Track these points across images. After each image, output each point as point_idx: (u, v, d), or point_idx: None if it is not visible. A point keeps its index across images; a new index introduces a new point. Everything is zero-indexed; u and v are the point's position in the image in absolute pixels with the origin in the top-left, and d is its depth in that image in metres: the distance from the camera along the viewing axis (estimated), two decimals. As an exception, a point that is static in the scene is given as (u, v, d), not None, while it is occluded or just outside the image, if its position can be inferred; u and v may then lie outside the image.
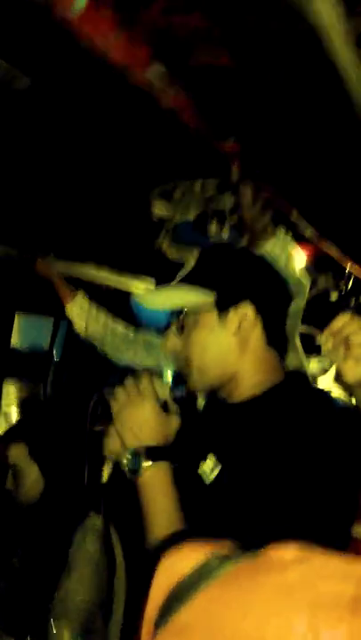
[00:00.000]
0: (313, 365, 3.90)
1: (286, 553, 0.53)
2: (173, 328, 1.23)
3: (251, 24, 0.68)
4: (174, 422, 1.22)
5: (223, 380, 1.21)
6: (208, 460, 1.16)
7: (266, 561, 0.55)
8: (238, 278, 1.23)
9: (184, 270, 1.25)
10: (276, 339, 1.24)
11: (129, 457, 1.15)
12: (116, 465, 1.27)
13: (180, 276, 1.26)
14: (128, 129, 1.70)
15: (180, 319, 1.22)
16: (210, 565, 0.58)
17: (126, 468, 1.17)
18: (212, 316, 1.19)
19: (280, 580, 0.49)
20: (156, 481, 1.13)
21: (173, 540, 0.69)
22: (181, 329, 1.22)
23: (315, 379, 4.03)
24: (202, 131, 0.89)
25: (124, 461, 1.17)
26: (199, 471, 1.17)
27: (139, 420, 1.16)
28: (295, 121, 0.86)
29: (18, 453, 1.83)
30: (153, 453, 1.13)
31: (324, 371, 3.72)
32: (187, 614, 0.53)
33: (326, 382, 3.52)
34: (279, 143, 0.94)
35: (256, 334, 1.20)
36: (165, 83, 0.75)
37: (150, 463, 1.13)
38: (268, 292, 1.24)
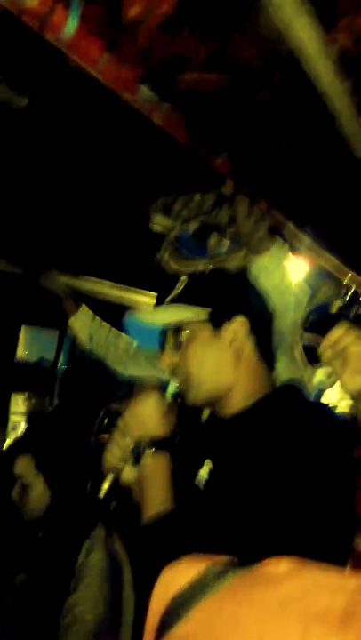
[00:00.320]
0: (321, 376, 3.86)
1: (280, 566, 0.54)
2: (170, 344, 1.26)
3: (236, 45, 0.69)
4: (175, 412, 1.26)
5: (220, 392, 1.23)
6: (204, 469, 1.19)
7: (261, 575, 0.55)
8: (230, 295, 1.28)
9: (176, 291, 1.28)
10: (266, 352, 1.28)
11: (134, 445, 1.20)
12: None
13: (173, 296, 1.29)
14: (125, 146, 1.72)
15: (175, 335, 1.25)
16: (207, 579, 0.59)
17: (130, 457, 1.21)
18: (207, 330, 1.22)
19: (274, 594, 0.50)
20: (156, 469, 1.17)
21: (171, 555, 0.69)
22: (178, 344, 1.24)
23: (322, 390, 4.00)
24: (194, 148, 0.90)
25: (129, 450, 1.21)
26: (197, 478, 1.19)
27: (144, 413, 1.20)
28: (284, 136, 0.88)
29: (24, 465, 1.83)
30: (155, 444, 1.17)
31: (334, 381, 3.68)
32: (185, 627, 0.53)
33: (335, 393, 3.49)
34: (271, 157, 0.96)
35: (249, 347, 1.23)
36: (155, 102, 0.76)
37: (152, 452, 1.17)
38: (258, 307, 1.29)
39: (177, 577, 0.60)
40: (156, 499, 1.13)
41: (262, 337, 1.26)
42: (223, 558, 0.62)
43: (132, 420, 1.21)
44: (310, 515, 0.99)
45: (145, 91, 0.74)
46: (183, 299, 1.27)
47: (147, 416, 1.20)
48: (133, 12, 0.63)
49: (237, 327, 1.21)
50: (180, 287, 1.29)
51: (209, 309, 1.23)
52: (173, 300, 1.29)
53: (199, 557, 0.63)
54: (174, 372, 1.26)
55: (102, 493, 1.22)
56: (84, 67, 0.75)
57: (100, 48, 0.70)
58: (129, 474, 1.25)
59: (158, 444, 1.18)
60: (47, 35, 0.71)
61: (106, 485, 1.22)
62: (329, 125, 0.82)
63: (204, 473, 1.18)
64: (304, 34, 0.64)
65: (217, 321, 1.22)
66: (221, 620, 0.49)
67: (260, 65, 0.71)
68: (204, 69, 0.74)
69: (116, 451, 1.23)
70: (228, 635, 0.47)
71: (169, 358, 1.26)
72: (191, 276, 1.31)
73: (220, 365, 1.22)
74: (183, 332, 1.23)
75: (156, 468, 1.17)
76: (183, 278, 1.30)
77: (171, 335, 1.25)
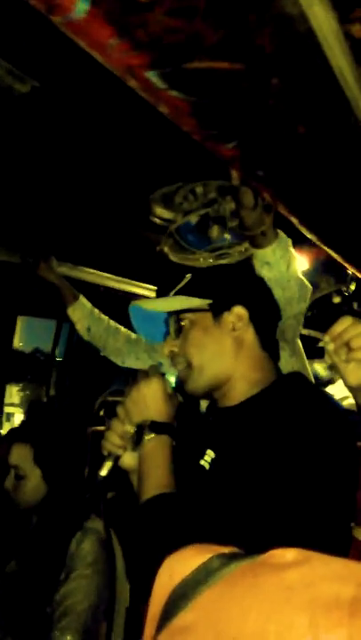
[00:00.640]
0: (320, 370, 3.87)
1: (287, 555, 0.53)
2: (171, 331, 1.28)
3: (249, 28, 0.68)
4: (176, 402, 1.27)
5: (221, 380, 1.25)
6: (207, 455, 1.20)
7: (267, 562, 0.55)
8: (230, 285, 1.30)
9: (179, 286, 1.31)
10: (268, 342, 1.30)
11: (134, 429, 1.21)
12: (118, 469, 1.29)
13: (177, 288, 1.32)
14: (128, 133, 1.71)
15: (176, 323, 1.27)
16: (212, 566, 0.58)
17: (130, 443, 1.23)
18: (208, 317, 1.25)
19: (280, 581, 0.49)
20: (156, 452, 1.17)
21: (174, 541, 0.69)
22: (179, 332, 1.26)
23: (328, 382, 4.01)
24: (201, 137, 0.89)
25: (130, 434, 1.23)
26: (201, 463, 1.20)
27: (146, 397, 1.21)
28: (296, 125, 0.87)
29: (22, 456, 1.83)
30: (156, 428, 1.18)
31: (332, 375, 3.70)
32: (190, 615, 0.53)
33: (340, 386, 3.50)
34: (280, 148, 0.95)
35: (250, 336, 1.26)
36: (163, 90, 0.75)
37: (153, 435, 1.17)
38: (258, 297, 1.31)
39: (181, 565, 0.59)
40: (156, 481, 1.13)
41: (264, 327, 1.28)
42: (228, 548, 0.62)
43: (133, 406, 1.22)
44: (314, 504, 1.00)
45: (153, 77, 0.73)
46: (186, 291, 1.30)
47: (149, 400, 1.20)
48: (146, -6, 0.62)
49: (237, 316, 1.24)
50: (184, 283, 1.30)
51: (210, 300, 1.25)
52: (176, 293, 1.31)
53: (204, 546, 0.63)
54: (175, 359, 1.28)
55: (101, 477, 1.23)
56: (91, 51, 0.73)
57: (110, 32, 0.68)
58: (128, 459, 1.26)
59: (159, 428, 1.18)
60: (55, 17, 0.69)
61: (105, 469, 1.23)
62: (345, 115, 0.81)
63: (205, 463, 1.19)
64: (320, 19, 0.63)
65: (217, 310, 1.25)
66: (226, 609, 0.49)
67: (274, 51, 0.70)
68: (216, 56, 0.73)
69: (114, 437, 1.24)
70: (232, 625, 0.47)
71: (170, 345, 1.29)
72: (195, 272, 1.33)
73: (221, 353, 1.24)
74: (184, 320, 1.26)
75: (156, 451, 1.17)
76: (188, 276, 1.32)
77: (172, 323, 1.28)
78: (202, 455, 1.21)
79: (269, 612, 0.46)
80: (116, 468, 1.26)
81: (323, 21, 0.66)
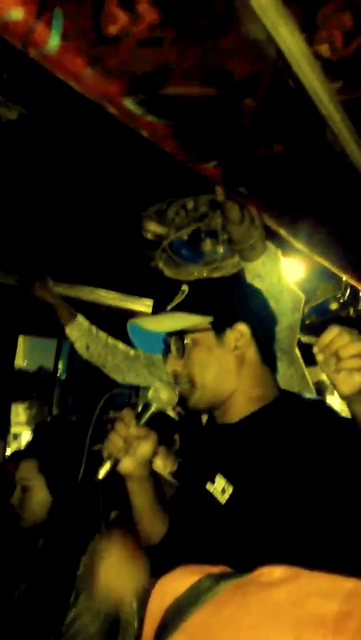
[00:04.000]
0: (320, 377, 3.87)
1: (275, 572, 0.54)
2: (174, 350, 1.26)
3: (218, 53, 0.70)
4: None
5: (223, 397, 1.25)
6: (217, 481, 1.18)
7: (255, 581, 0.55)
8: (231, 302, 1.30)
9: (177, 300, 1.29)
10: (268, 356, 1.31)
11: None
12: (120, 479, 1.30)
13: (174, 304, 1.31)
14: (116, 156, 1.73)
15: (179, 342, 1.26)
16: (203, 586, 0.59)
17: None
18: (210, 336, 1.25)
19: (268, 599, 0.50)
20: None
21: (167, 565, 0.69)
22: (181, 351, 1.25)
23: (326, 389, 4.00)
24: (183, 157, 0.90)
25: (133, 437, 1.26)
26: (210, 489, 1.19)
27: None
28: (272, 143, 0.88)
29: (26, 468, 1.83)
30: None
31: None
32: (182, 636, 0.53)
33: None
34: (260, 165, 0.96)
35: (251, 352, 1.26)
36: (141, 115, 0.77)
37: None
38: (259, 313, 1.32)
39: (172, 587, 0.60)
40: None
41: (264, 342, 1.30)
42: (217, 568, 0.62)
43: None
44: (332, 515, 1.00)
45: (130, 103, 0.74)
46: (185, 307, 1.29)
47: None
48: (114, 28, 0.63)
49: (240, 333, 1.25)
50: (181, 296, 1.30)
51: (211, 317, 1.25)
52: (174, 308, 1.31)
53: (193, 567, 0.63)
54: (177, 378, 1.28)
55: (98, 479, 1.22)
56: (68, 81, 0.75)
57: (83, 63, 0.70)
58: (128, 464, 1.26)
59: None
60: (30, 51, 0.71)
61: (103, 471, 1.23)
62: (319, 130, 0.83)
63: (216, 492, 1.17)
64: (287, 41, 0.64)
65: (219, 328, 1.25)
66: (218, 628, 0.50)
67: (246, 72, 0.71)
68: (189, 80, 0.75)
69: (117, 440, 1.24)
70: None
71: (172, 365, 1.28)
72: (192, 285, 1.32)
73: (224, 371, 1.24)
74: (186, 339, 1.25)
75: None
76: (184, 288, 1.32)
77: (174, 342, 1.27)
78: (210, 478, 1.20)
79: (258, 631, 0.46)
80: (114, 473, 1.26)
81: (290, 43, 0.68)
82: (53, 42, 0.68)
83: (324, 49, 0.73)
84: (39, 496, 1.80)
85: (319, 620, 0.44)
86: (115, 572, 1.15)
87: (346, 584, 0.48)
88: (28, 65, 1.16)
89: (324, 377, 3.87)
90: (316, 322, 3.02)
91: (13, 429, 4.45)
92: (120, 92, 0.75)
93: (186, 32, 0.69)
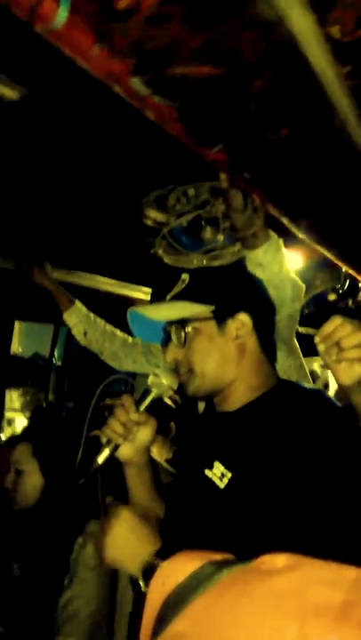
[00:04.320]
0: (316, 367, 3.88)
1: (277, 560, 0.53)
2: (174, 339, 1.26)
3: (228, 33, 0.68)
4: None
5: (222, 385, 1.25)
6: (216, 467, 1.18)
7: (258, 569, 0.55)
8: (233, 291, 1.30)
9: (177, 288, 1.29)
10: (268, 346, 1.31)
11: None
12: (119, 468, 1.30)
13: (174, 293, 1.31)
14: (120, 137, 1.71)
15: (180, 331, 1.26)
16: (204, 573, 0.58)
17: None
18: (212, 325, 1.25)
19: (271, 588, 0.49)
20: None
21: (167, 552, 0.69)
22: (182, 340, 1.25)
23: (317, 379, 4.01)
24: (188, 140, 0.89)
25: (133, 422, 1.26)
26: (208, 475, 1.19)
27: (125, 536, 1.12)
28: (280, 127, 0.87)
29: (21, 450, 1.85)
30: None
31: (327, 373, 3.71)
32: (183, 622, 0.53)
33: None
34: (265, 150, 0.95)
35: (252, 342, 1.27)
36: (147, 95, 0.75)
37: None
38: (260, 302, 1.32)
39: (174, 572, 0.59)
40: None
41: (265, 332, 1.29)
42: (219, 555, 0.62)
43: (115, 549, 1.13)
44: (332, 503, 1.01)
45: (137, 83, 0.73)
46: (186, 295, 1.29)
47: (129, 538, 1.12)
48: (124, 2, 0.62)
49: (241, 323, 1.25)
50: (181, 285, 1.29)
51: (213, 306, 1.25)
52: (176, 297, 1.30)
53: (195, 554, 0.63)
54: (177, 366, 1.28)
55: (98, 464, 1.22)
56: (75, 59, 0.73)
57: (91, 40, 0.68)
58: (127, 450, 1.27)
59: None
60: (36, 25, 0.69)
61: (102, 457, 1.23)
62: (327, 115, 0.82)
63: (215, 477, 1.17)
64: (299, 21, 0.63)
65: (221, 317, 1.25)
66: (218, 617, 0.49)
67: (254, 54, 0.70)
68: (197, 60, 0.73)
69: (117, 425, 1.24)
70: (225, 630, 0.47)
71: (173, 354, 1.28)
72: (193, 274, 1.32)
73: (225, 360, 1.24)
74: (188, 328, 1.25)
75: None
76: (185, 277, 1.31)
77: (175, 331, 1.26)
78: (208, 465, 1.20)
79: (260, 619, 0.46)
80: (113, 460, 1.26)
81: (302, 24, 0.67)
82: (61, 15, 0.66)
83: (335, 30, 0.71)
84: (32, 480, 1.82)
85: (324, 609, 0.44)
86: (124, 538, 1.12)
87: (349, 573, 0.48)
88: (32, 43, 1.14)
89: (315, 367, 3.89)
90: (314, 313, 3.02)
91: (7, 415, 4.46)
92: (127, 71, 0.74)
93: (195, 10, 0.68)
